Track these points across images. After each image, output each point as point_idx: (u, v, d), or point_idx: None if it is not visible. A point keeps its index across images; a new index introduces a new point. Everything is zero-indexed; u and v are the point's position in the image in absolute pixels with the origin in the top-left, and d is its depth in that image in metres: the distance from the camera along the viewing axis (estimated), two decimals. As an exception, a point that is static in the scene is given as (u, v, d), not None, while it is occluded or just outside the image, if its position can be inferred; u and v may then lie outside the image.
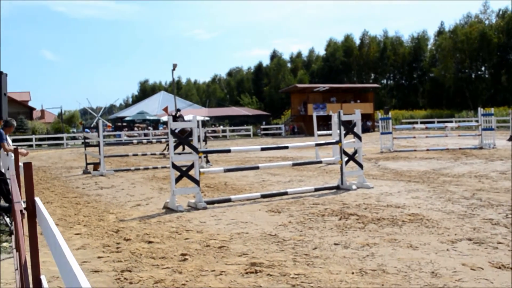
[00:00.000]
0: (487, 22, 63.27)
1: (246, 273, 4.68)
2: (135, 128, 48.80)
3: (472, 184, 9.85)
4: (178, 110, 27.15)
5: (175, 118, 29.14)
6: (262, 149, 10.22)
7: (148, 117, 54.15)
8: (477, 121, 22.40)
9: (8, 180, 7.61)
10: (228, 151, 9.73)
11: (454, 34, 63.03)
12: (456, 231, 5.93)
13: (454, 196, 8.52)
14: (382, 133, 20.62)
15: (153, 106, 66.12)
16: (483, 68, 63.81)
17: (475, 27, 60.73)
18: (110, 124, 57.35)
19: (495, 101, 54.79)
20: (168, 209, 8.34)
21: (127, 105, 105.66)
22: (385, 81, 76.68)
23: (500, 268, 4.51)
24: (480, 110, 20.56)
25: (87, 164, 16.16)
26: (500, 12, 62.57)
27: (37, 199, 2.61)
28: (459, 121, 40.86)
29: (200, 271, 4.80)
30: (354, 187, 9.83)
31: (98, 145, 15.81)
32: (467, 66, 62.86)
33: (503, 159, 14.66)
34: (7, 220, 7.30)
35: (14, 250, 5.18)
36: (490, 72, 61.86)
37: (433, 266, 4.63)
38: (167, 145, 22.46)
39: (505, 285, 4.08)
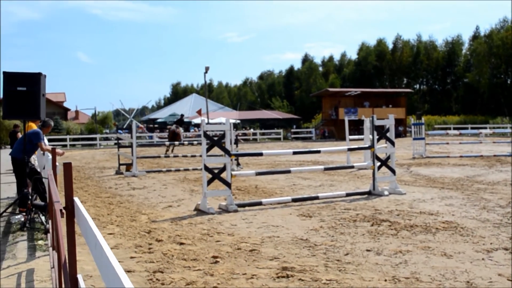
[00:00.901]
0: (523, 26, 61.93)
1: (278, 277, 4.67)
2: (167, 130, 49.25)
3: (507, 192, 9.64)
4: (182, 115, 30.03)
5: (181, 123, 30.34)
6: (294, 153, 10.21)
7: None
8: (511, 127, 21.91)
9: (43, 179, 7.77)
10: (260, 154, 9.75)
11: (490, 38, 61.86)
12: (492, 240, 5.81)
13: (489, 204, 8.35)
14: (414, 139, 20.36)
15: (184, 108, 66.62)
16: (519, 74, 62.46)
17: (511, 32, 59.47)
18: (142, 126, 58.02)
19: (531, 108, 53.55)
20: (199, 211, 8.39)
21: (159, 107, 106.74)
22: (417, 86, 75.70)
23: (538, 279, 4.40)
24: (517, 117, 20.11)
25: (119, 164, 16.39)
26: (537, 17, 61.18)
27: (75, 198, 2.66)
28: (494, 128, 40.10)
29: (231, 274, 4.82)
30: (386, 193, 9.73)
31: (131, 146, 16.02)
32: (503, 71, 61.60)
33: (540, 167, 14.31)
34: (43, 218, 7.44)
35: (50, 249, 5.28)
36: (525, 78, 60.53)
37: (468, 276, 4.55)
38: (168, 146, 23.05)
39: (543, 297, 3.98)
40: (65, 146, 38.69)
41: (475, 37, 68.28)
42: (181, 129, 30.83)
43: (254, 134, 48.68)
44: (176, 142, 20.67)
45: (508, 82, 62.16)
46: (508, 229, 6.39)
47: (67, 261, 2.58)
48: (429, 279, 4.48)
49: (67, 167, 2.67)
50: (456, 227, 6.58)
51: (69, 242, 2.57)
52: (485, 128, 41.00)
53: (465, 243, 5.75)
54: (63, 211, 2.64)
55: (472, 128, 44.58)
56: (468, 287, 4.25)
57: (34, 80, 7.35)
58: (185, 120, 54.12)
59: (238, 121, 56.42)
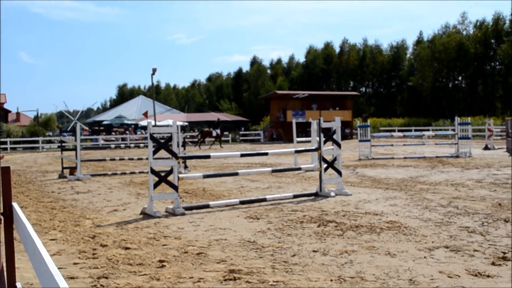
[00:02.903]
0: (464, 32, 64.24)
1: (225, 280, 4.65)
2: (113, 133, 48.34)
3: (448, 192, 9.96)
4: (218, 119, 33.62)
5: (217, 125, 34.60)
6: (242, 155, 10.20)
7: (126, 122, 53.74)
8: (453, 130, 22.71)
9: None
10: (208, 156, 9.69)
11: (432, 43, 63.85)
12: (433, 239, 5.98)
13: (431, 204, 8.60)
14: (360, 141, 20.77)
15: (131, 110, 65.65)
16: (460, 78, 64.70)
17: (453, 38, 61.60)
18: (87, 128, 56.74)
19: (471, 111, 55.59)
20: (146, 215, 8.26)
21: (105, 109, 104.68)
22: (364, 89, 77.27)
23: (476, 275, 4.55)
24: (457, 119, 20.85)
25: (63, 168, 15.95)
26: (478, 23, 63.61)
27: (14, 204, 2.56)
28: (436, 130, 41.40)
29: (178, 278, 4.76)
30: (332, 194, 9.86)
31: (75, 149, 15.62)
32: (445, 75, 63.67)
33: (479, 168, 14.86)
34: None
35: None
36: (466, 82, 62.78)
37: (411, 274, 4.65)
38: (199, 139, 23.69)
39: (481, 293, 4.11)
40: (5, 149, 37.33)
41: (419, 42, 70.34)
42: (217, 131, 35.86)
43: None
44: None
45: (450, 86, 64.31)
46: (448, 227, 6.60)
47: (5, 269, 2.48)
48: (373, 278, 4.56)
49: (5, 171, 2.57)
50: (399, 226, 6.74)
51: (8, 249, 2.47)
52: (428, 130, 42.33)
53: (408, 242, 5.89)
54: (1, 217, 2.53)
55: (415, 130, 45.93)
56: (411, 285, 4.35)
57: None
58: (132, 122, 53.42)
59: (186, 124, 56.05)
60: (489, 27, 60.61)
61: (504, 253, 5.26)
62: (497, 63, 60.32)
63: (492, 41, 59.85)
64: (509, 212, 7.63)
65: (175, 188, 8.48)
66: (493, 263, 4.90)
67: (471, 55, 59.66)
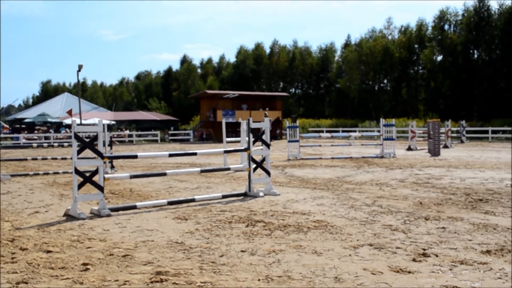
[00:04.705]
0: (390, 37, 66.68)
1: (151, 282, 4.56)
2: (35, 131, 46.51)
3: (373, 192, 10.26)
4: (266, 115, 29.39)
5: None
6: (170, 155, 10.07)
7: (49, 120, 51.83)
8: (379, 131, 23.46)
9: None
10: (135, 156, 9.49)
11: (360, 47, 65.83)
12: (358, 237, 6.13)
13: (357, 203, 8.82)
14: (289, 141, 21.05)
15: (55, 108, 63.39)
16: (385, 81, 67.08)
17: (379, 42, 63.77)
18: (7, 126, 54.27)
19: (395, 113, 57.80)
20: (69, 217, 7.98)
21: (27, 106, 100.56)
22: (293, 90, 78.56)
23: (398, 272, 4.69)
24: (382, 121, 21.57)
25: (-19, 168, 15.17)
26: (402, 29, 66.20)
27: None
28: (362, 131, 42.67)
29: (103, 281, 4.61)
30: (261, 194, 9.92)
31: (-6, 148, 14.90)
32: (371, 78, 65.83)
33: (402, 168, 15.43)
34: None
35: None
36: (391, 85, 65.16)
37: (336, 271, 4.74)
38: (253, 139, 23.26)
39: (403, 289, 4.25)
40: None
41: (347, 45, 72.33)
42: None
43: (130, 135, 47.57)
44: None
45: (376, 88, 66.55)
46: (373, 226, 6.79)
47: None
48: (300, 277, 4.61)
49: None
50: (326, 225, 6.86)
51: None
52: (355, 131, 43.52)
53: (334, 240, 6.00)
54: None
55: (343, 131, 47.18)
56: (336, 282, 4.43)
57: None
58: (56, 121, 51.58)
59: (113, 122, 54.81)
60: (413, 32, 63.22)
61: (424, 249, 5.47)
62: (420, 68, 63.04)
63: (416, 46, 62.51)
64: (429, 210, 7.95)
65: (101, 188, 8.24)
66: (414, 260, 5.08)
67: (396, 59, 62.01)
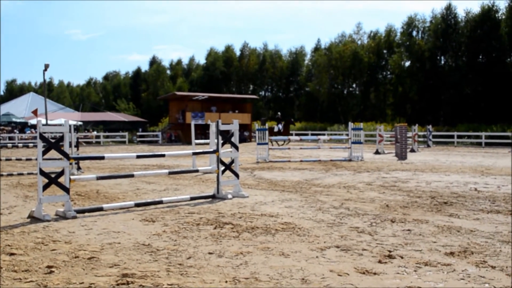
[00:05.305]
0: (359, 42, 67.47)
1: (117, 284, 4.50)
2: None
3: (341, 194, 10.36)
4: (278, 113, 33.10)
5: (279, 120, 34.20)
6: (138, 156, 9.97)
7: (14, 120, 50.76)
8: (347, 134, 23.70)
9: None
10: (102, 157, 9.37)
11: (329, 51, 66.36)
12: (325, 239, 6.18)
13: (324, 205, 8.89)
14: (258, 144, 21.08)
15: (20, 108, 62.09)
16: (354, 85, 67.73)
17: (348, 46, 64.45)
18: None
19: (364, 117, 58.47)
20: (34, 219, 7.83)
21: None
22: (263, 92, 78.65)
23: (364, 273, 4.75)
24: (350, 125, 21.80)
25: None
26: (372, 34, 67.06)
27: None
28: (331, 134, 43.04)
29: (68, 284, 4.54)
30: (229, 196, 9.91)
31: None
32: (340, 82, 66.40)
33: (369, 171, 15.63)
34: None
35: None
36: (360, 89, 65.86)
37: (303, 273, 4.77)
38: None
39: (368, 290, 4.30)
40: None
41: (317, 49, 72.81)
42: (279, 126, 34.19)
43: (98, 137, 46.96)
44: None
45: (345, 92, 67.19)
46: (340, 228, 6.85)
47: None
48: (267, 278, 4.62)
49: None
50: (294, 227, 6.90)
51: None
52: (324, 134, 43.88)
53: (301, 242, 6.04)
54: None
55: (312, 134, 47.51)
56: (303, 284, 4.46)
57: None
58: (21, 121, 50.54)
59: (80, 123, 53.99)
60: (382, 38, 64.09)
61: (390, 251, 5.55)
62: (389, 73, 63.87)
63: (385, 51, 63.34)
64: (395, 213, 8.07)
65: (67, 190, 8.11)
66: (379, 261, 5.15)
67: (364, 64, 62.75)
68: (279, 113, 34.90)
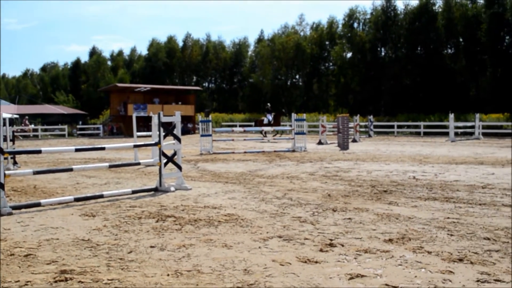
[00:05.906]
0: (302, 33, 68.15)
1: (55, 281, 4.38)
2: None
3: (284, 185, 10.45)
4: (268, 104, 32.43)
5: (269, 111, 33.34)
6: (77, 149, 9.70)
7: None
8: (290, 125, 23.90)
9: None
10: (39, 151, 9.06)
11: (272, 42, 66.77)
12: (268, 229, 6.22)
13: (268, 196, 8.95)
14: (202, 135, 20.99)
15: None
16: (297, 76, 68.47)
17: (291, 38, 65.00)
18: None
19: (307, 107, 59.28)
20: (-34, 216, 7.50)
21: None
22: (206, 84, 78.33)
23: (306, 262, 4.82)
24: (294, 116, 22.02)
25: None
26: (314, 25, 67.86)
27: None
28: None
29: (3, 282, 4.38)
30: (172, 189, 9.82)
31: None
32: (283, 73, 66.97)
33: (312, 161, 15.84)
34: None
35: None
36: (303, 80, 66.62)
37: (246, 264, 4.79)
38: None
39: (309, 277, 4.36)
40: None
41: (260, 40, 73.11)
42: (269, 117, 33.46)
43: (35, 130, 45.50)
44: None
45: (288, 83, 67.78)
46: (282, 218, 6.92)
47: None
48: (210, 270, 4.61)
49: None
50: (237, 219, 6.91)
51: None
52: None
53: (244, 233, 6.06)
54: None
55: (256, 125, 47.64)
56: (245, 274, 4.47)
57: None
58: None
59: (17, 116, 52.09)
60: (324, 29, 64.99)
61: (331, 240, 5.65)
62: (331, 64, 64.95)
63: (327, 43, 64.32)
64: (337, 202, 8.22)
65: (1, 186, 7.80)
66: (321, 250, 5.24)
67: (307, 55, 63.48)
68: (268, 104, 34.51)
